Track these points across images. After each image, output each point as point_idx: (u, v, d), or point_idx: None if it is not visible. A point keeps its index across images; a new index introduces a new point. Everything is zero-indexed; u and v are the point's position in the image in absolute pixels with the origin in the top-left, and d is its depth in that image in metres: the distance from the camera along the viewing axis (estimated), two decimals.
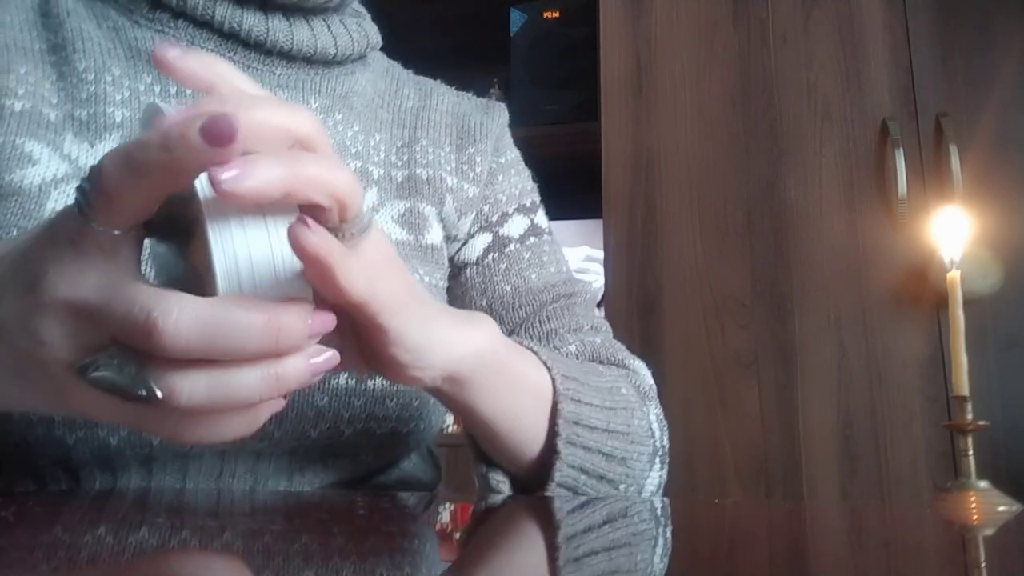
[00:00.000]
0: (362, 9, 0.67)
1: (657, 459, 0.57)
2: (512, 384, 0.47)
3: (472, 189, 0.67)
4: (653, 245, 1.44)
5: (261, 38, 0.58)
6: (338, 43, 0.61)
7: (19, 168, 0.51)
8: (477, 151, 0.68)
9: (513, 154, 0.72)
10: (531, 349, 0.51)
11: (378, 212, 0.62)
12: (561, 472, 0.49)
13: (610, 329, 0.67)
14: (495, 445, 0.49)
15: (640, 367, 0.64)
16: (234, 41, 0.58)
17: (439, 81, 0.73)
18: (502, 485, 0.50)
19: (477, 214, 0.67)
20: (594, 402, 0.52)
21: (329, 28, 0.61)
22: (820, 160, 1.42)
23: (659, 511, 0.44)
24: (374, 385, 0.55)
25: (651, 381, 0.63)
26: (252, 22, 0.57)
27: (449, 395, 0.44)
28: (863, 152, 1.41)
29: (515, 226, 0.68)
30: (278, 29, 0.58)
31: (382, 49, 0.71)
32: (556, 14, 1.72)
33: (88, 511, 0.39)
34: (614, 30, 1.54)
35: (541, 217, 0.70)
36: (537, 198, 0.72)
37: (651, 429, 0.57)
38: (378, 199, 0.62)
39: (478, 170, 0.67)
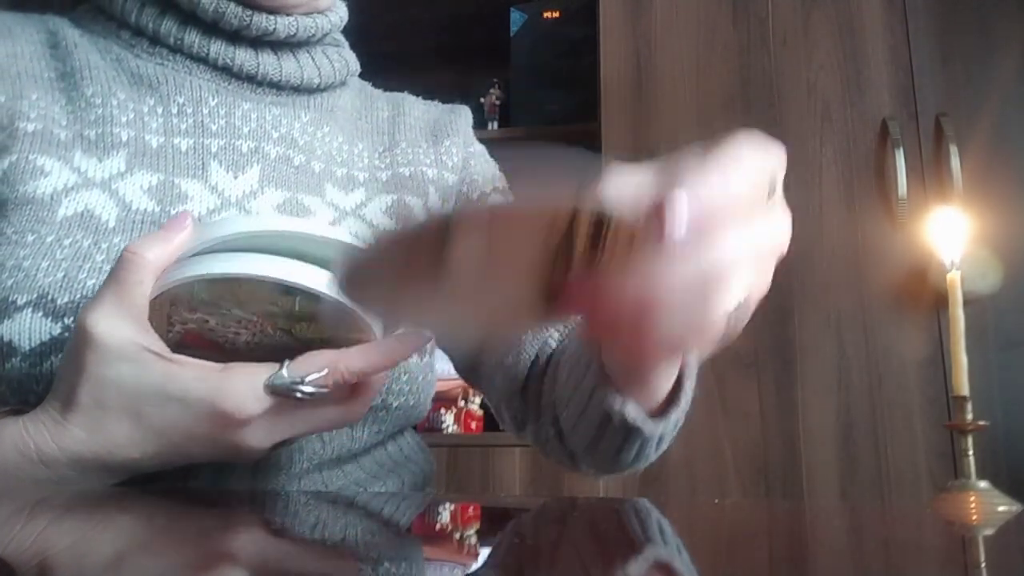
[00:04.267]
0: (341, 38, 0.72)
1: None
2: None
3: (451, 177, 0.72)
4: None
5: (252, 71, 0.64)
6: (322, 73, 0.67)
7: (32, 180, 0.55)
8: (452, 143, 0.73)
9: (480, 146, 0.78)
10: None
11: (366, 207, 0.67)
12: (687, 395, 0.50)
13: None
14: (649, 377, 0.48)
15: None
16: (227, 73, 0.63)
17: (406, 93, 0.78)
18: (639, 418, 0.50)
19: (457, 196, 0.73)
20: None
21: (313, 59, 0.67)
22: (820, 160, 1.42)
23: (658, 511, 0.44)
24: None
25: None
26: (244, 57, 0.63)
27: None
28: (863, 152, 1.41)
29: (494, 202, 0.73)
30: (267, 63, 0.64)
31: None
32: (556, 14, 1.72)
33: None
34: (614, 30, 1.54)
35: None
36: (507, 185, 0.77)
37: None
38: (365, 196, 0.67)
39: (455, 159, 0.73)
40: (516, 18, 1.74)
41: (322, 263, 0.39)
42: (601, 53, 1.54)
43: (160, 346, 0.42)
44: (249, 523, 0.34)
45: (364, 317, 0.40)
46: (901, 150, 1.36)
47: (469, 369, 0.71)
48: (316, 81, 0.67)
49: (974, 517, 0.62)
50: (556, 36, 1.72)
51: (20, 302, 0.50)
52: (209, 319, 0.42)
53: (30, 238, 0.53)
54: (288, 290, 0.38)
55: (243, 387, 0.41)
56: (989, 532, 0.41)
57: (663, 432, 0.53)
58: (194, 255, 0.40)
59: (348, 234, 0.40)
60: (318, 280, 0.38)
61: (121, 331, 0.41)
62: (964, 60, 1.41)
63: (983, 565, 0.29)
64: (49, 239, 0.53)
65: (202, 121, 0.62)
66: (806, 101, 1.44)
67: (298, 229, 0.39)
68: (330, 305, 0.39)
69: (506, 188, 0.76)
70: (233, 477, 0.54)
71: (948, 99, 1.39)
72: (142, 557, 0.25)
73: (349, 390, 0.44)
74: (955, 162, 1.33)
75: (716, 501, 0.53)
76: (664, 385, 0.49)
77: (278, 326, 0.42)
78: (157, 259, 0.41)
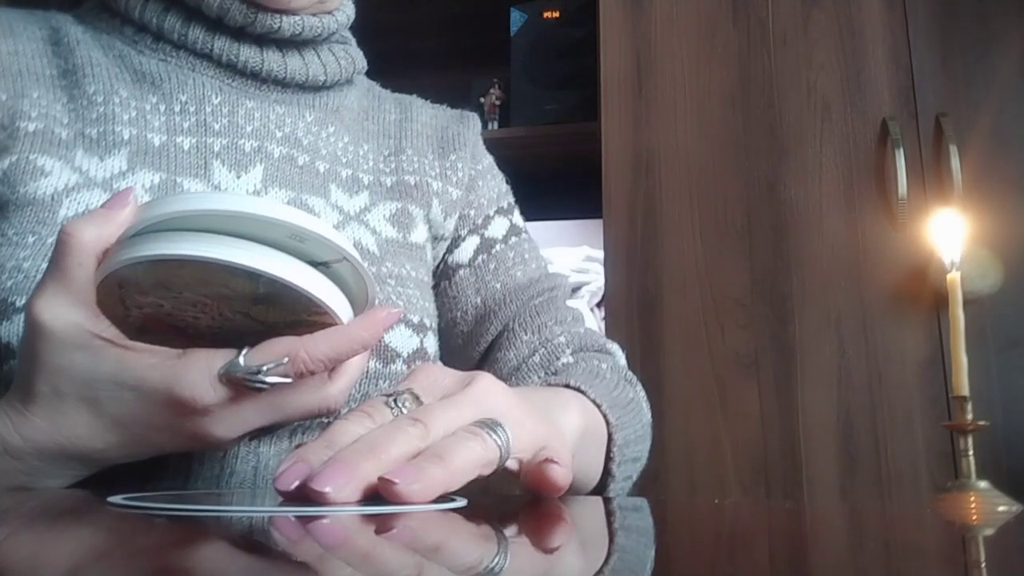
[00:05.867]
0: (348, 35, 0.71)
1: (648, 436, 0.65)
2: (589, 441, 0.53)
3: (455, 192, 0.72)
4: (653, 245, 1.44)
5: (257, 68, 0.63)
6: (327, 70, 0.66)
7: (33, 181, 0.55)
8: (458, 158, 0.73)
9: (488, 160, 0.77)
10: (579, 389, 0.56)
11: (370, 211, 0.66)
12: (612, 491, 0.56)
13: (583, 315, 0.75)
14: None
15: (616, 350, 0.72)
16: (231, 70, 0.63)
17: (415, 96, 0.77)
18: None
19: (462, 217, 0.73)
20: (627, 421, 0.59)
21: (319, 57, 0.66)
22: (820, 160, 1.42)
23: (657, 511, 0.44)
24: (396, 369, 0.60)
25: (624, 361, 0.71)
26: (248, 54, 0.62)
27: None
28: (863, 152, 1.41)
29: (498, 227, 0.74)
30: (272, 60, 0.63)
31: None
32: (556, 14, 1.72)
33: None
34: (614, 30, 1.54)
35: (517, 217, 0.77)
36: (512, 199, 0.78)
37: (648, 418, 0.65)
38: (369, 201, 0.67)
39: (460, 175, 0.73)
40: (516, 18, 1.74)
41: (275, 244, 0.37)
42: (601, 53, 1.54)
43: (112, 332, 0.40)
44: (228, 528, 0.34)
45: (322, 300, 0.38)
46: (901, 150, 1.36)
47: None
48: (322, 79, 0.66)
49: (974, 517, 0.62)
50: (556, 36, 1.72)
51: (19, 304, 0.50)
52: (163, 303, 0.39)
53: (31, 239, 0.53)
54: (237, 272, 0.36)
55: (199, 374, 0.39)
56: (989, 532, 0.41)
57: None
58: (136, 234, 0.38)
59: (305, 216, 0.37)
60: (265, 262, 0.36)
61: (67, 317, 0.39)
62: (964, 60, 1.41)
63: (983, 565, 0.29)
64: (50, 240, 0.52)
65: (205, 120, 0.61)
66: (806, 101, 1.44)
67: (243, 208, 0.36)
68: (284, 287, 0.37)
69: (511, 205, 0.77)
70: (235, 478, 0.53)
71: (948, 99, 1.40)
72: (105, 567, 0.25)
73: (326, 375, 0.43)
74: (955, 162, 1.33)
75: (716, 501, 0.53)
76: (581, 492, 0.56)
77: (235, 309, 0.39)
78: (95, 240, 0.39)
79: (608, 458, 0.57)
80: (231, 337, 0.41)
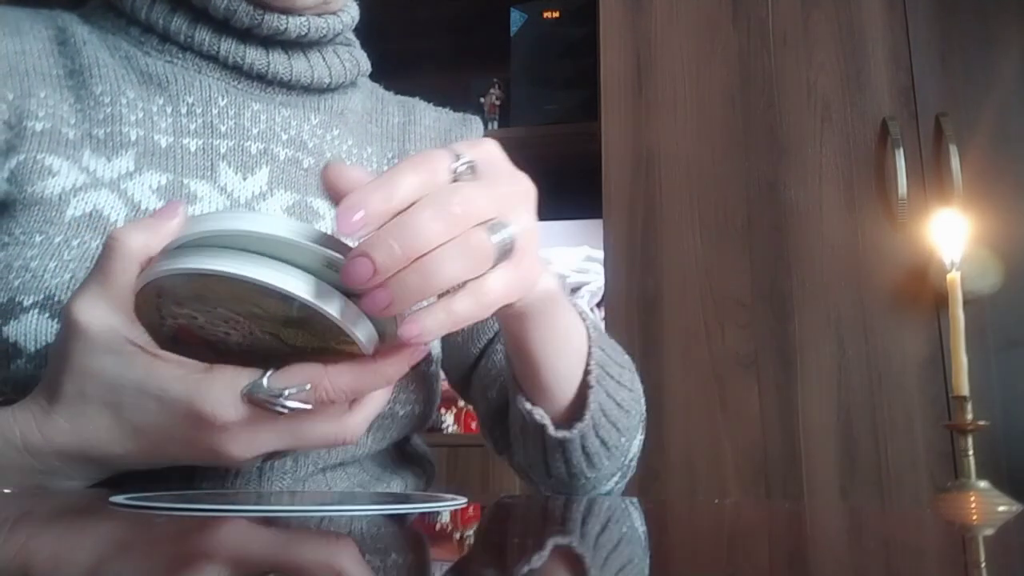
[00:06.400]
0: (352, 38, 0.71)
1: (641, 425, 0.64)
2: (563, 325, 0.53)
3: None
4: (653, 245, 1.44)
5: (263, 71, 0.63)
6: (332, 72, 0.66)
7: (40, 180, 0.55)
8: None
9: None
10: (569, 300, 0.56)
11: None
12: (591, 409, 0.54)
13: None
14: (538, 380, 0.54)
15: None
16: (237, 72, 0.63)
17: (418, 99, 0.77)
18: (544, 419, 0.55)
19: None
20: (612, 356, 0.58)
21: (324, 59, 0.66)
22: (820, 160, 1.42)
23: (657, 511, 0.44)
24: None
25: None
26: (254, 56, 0.62)
27: (513, 328, 0.50)
28: (863, 152, 1.41)
29: None
30: (278, 62, 0.63)
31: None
32: (556, 14, 1.72)
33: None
34: (614, 30, 1.54)
35: None
36: None
37: (641, 395, 0.64)
38: None
39: None
40: (516, 18, 1.74)
41: (313, 270, 0.38)
42: (601, 53, 1.54)
43: (145, 339, 0.41)
44: (237, 524, 0.34)
45: (352, 330, 0.38)
46: (901, 150, 1.36)
47: (460, 390, 0.73)
48: (327, 81, 0.66)
49: (974, 517, 0.62)
50: (556, 36, 1.72)
51: (27, 303, 0.50)
52: (198, 315, 0.40)
53: (38, 239, 0.53)
54: (270, 293, 0.37)
55: (222, 391, 0.40)
56: (989, 532, 0.41)
57: (585, 445, 0.56)
58: (179, 247, 0.39)
59: (346, 247, 0.37)
60: (300, 286, 0.37)
61: (104, 320, 0.40)
62: (964, 60, 1.41)
63: (983, 565, 0.29)
64: (57, 240, 0.53)
65: (211, 121, 0.61)
66: (806, 101, 1.44)
67: (285, 234, 0.37)
68: (315, 313, 0.37)
69: None
70: (240, 479, 0.53)
71: (948, 99, 1.39)
72: (102, 567, 0.25)
73: (346, 406, 0.43)
74: (955, 162, 1.33)
75: (716, 501, 0.53)
76: (560, 395, 0.54)
77: (265, 329, 0.40)
78: (142, 248, 0.40)
79: (586, 372, 0.55)
80: (258, 356, 0.41)
